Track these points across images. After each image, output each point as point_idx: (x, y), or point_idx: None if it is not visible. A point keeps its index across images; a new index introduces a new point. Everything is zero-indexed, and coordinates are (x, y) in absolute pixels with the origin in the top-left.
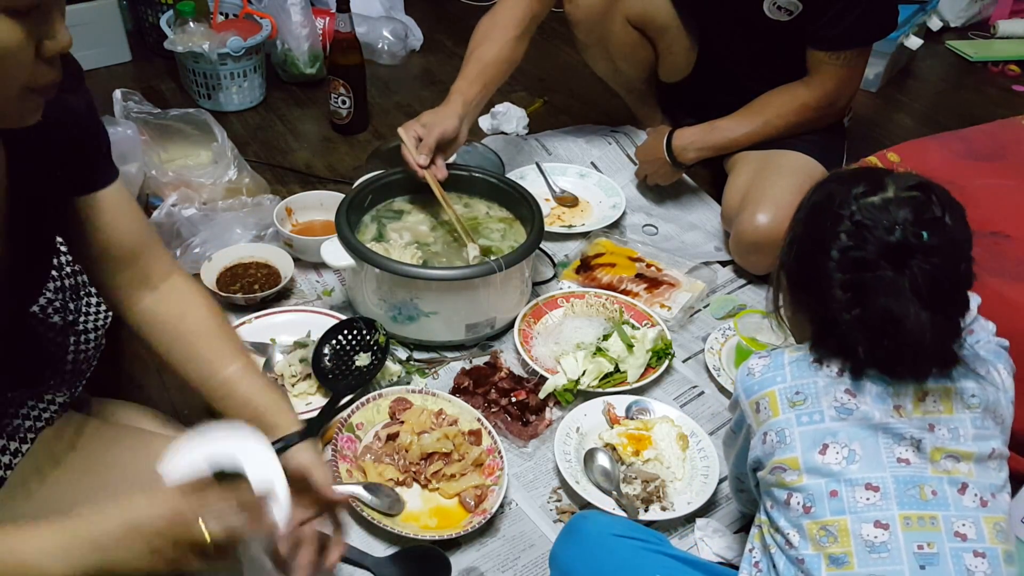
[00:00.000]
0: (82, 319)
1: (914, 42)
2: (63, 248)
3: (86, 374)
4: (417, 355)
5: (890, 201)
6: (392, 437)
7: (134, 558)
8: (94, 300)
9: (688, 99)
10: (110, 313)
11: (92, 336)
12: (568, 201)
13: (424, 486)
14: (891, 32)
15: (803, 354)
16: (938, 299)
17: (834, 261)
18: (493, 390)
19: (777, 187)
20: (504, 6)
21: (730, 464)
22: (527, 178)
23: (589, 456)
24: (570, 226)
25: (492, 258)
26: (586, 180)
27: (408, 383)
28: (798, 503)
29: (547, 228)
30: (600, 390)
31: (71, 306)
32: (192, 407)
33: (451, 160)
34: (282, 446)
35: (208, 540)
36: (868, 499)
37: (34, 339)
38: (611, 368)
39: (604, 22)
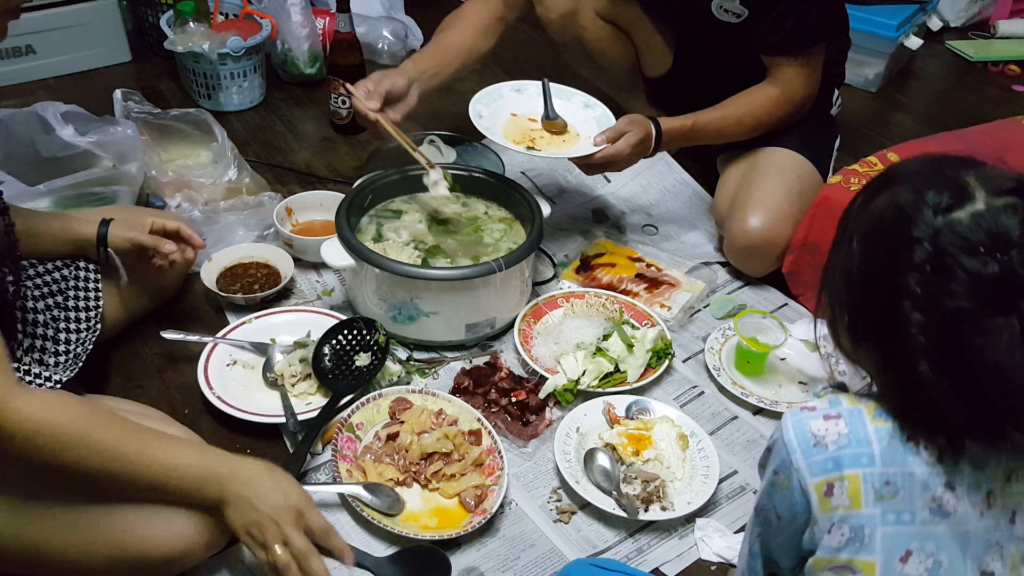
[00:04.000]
0: (71, 301)
1: (914, 42)
2: None
3: (82, 357)
4: (417, 355)
5: (981, 216)
6: (392, 437)
7: (235, 516)
8: (82, 275)
9: (675, 94)
10: (100, 293)
11: (83, 315)
12: (556, 128)
13: (424, 486)
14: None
15: (892, 426)
16: None
17: (912, 301)
18: (493, 390)
19: (764, 188)
20: (471, 4)
21: (754, 550)
22: (525, 91)
23: (589, 456)
24: (531, 148)
25: (492, 258)
26: (587, 112)
27: (408, 383)
28: None
29: (512, 146)
30: (600, 390)
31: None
32: (193, 406)
33: (453, 161)
34: (104, 230)
35: (275, 559)
36: None
37: None
38: (611, 368)
39: (575, 19)
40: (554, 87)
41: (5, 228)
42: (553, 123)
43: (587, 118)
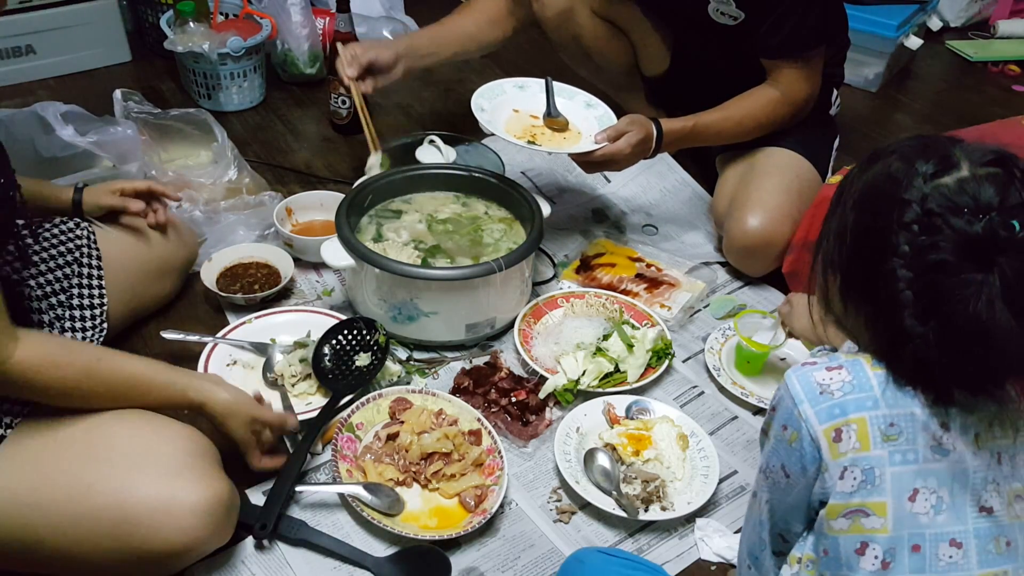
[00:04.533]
0: (75, 299)
1: (914, 42)
2: None
3: None
4: (417, 355)
5: (966, 181)
6: (392, 437)
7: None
8: (85, 271)
9: (673, 94)
10: (104, 291)
11: (88, 314)
12: (557, 125)
13: (424, 486)
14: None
15: (887, 372)
16: None
17: (901, 258)
18: (493, 390)
19: (763, 188)
20: None
21: (763, 518)
22: (527, 88)
23: (589, 456)
24: (531, 142)
25: (492, 258)
26: (589, 111)
27: (408, 383)
28: (875, 556)
29: (513, 140)
30: (600, 390)
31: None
32: None
33: (452, 161)
34: (80, 192)
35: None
36: (951, 557)
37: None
38: (611, 368)
39: (572, 17)
40: (557, 86)
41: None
42: (555, 121)
43: (588, 117)
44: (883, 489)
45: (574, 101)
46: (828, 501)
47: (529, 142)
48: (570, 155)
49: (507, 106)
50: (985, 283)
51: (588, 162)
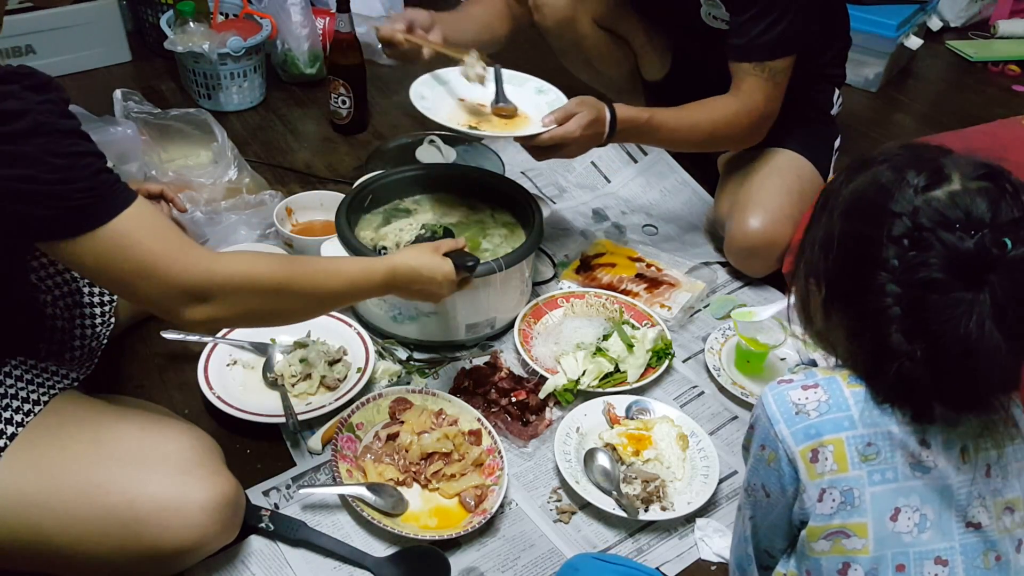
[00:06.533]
0: (86, 298)
1: (914, 42)
2: None
3: (97, 352)
4: (417, 355)
5: (958, 195)
6: (392, 437)
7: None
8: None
9: (674, 97)
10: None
11: (98, 311)
12: (506, 112)
13: (424, 486)
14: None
15: (865, 389)
16: (1020, 323)
17: (889, 273)
18: (493, 390)
19: (764, 189)
20: None
21: (747, 534)
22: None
23: (589, 456)
24: (472, 127)
25: (492, 258)
26: (540, 97)
27: (408, 383)
28: None
29: (452, 125)
30: (600, 390)
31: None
32: (193, 406)
33: (452, 160)
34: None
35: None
36: (936, 575)
37: (27, 307)
38: (611, 368)
39: (573, 25)
40: (507, 73)
41: None
42: (503, 108)
43: (540, 103)
44: (863, 510)
45: (524, 88)
46: (808, 522)
47: (471, 127)
48: (516, 139)
49: (453, 95)
50: (976, 302)
51: (537, 148)
